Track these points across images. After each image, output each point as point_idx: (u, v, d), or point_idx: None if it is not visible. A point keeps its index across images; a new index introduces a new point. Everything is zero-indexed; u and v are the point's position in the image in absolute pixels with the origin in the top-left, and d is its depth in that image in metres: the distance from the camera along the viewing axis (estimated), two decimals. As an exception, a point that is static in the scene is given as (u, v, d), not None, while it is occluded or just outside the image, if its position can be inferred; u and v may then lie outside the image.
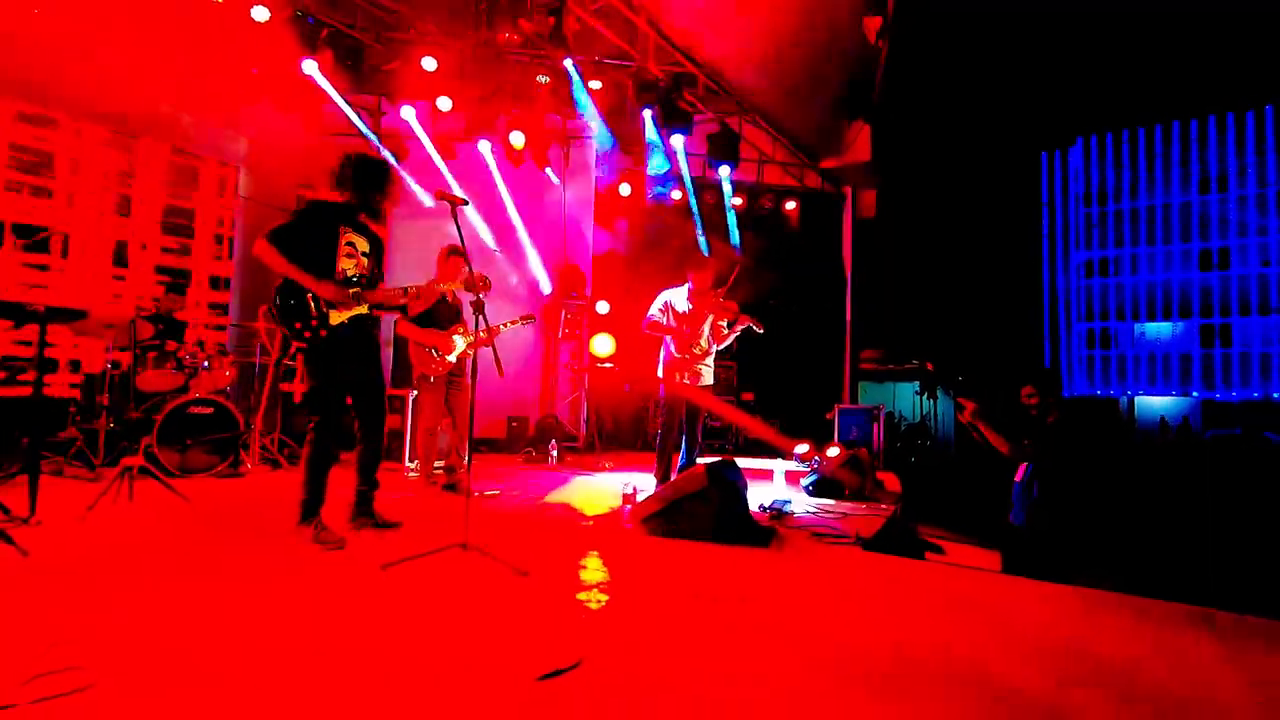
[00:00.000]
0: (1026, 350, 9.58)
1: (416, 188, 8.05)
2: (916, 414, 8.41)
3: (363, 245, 3.26)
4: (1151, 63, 8.05)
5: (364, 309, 3.25)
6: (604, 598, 2.58)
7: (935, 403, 8.17)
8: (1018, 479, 4.05)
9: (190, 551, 3.05)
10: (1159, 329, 9.44)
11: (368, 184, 3.22)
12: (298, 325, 3.09)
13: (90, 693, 1.58)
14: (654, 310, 5.03)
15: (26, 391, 4.58)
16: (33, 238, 5.41)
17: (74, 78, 6.22)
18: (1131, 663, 2.10)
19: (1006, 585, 3.01)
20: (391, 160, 8.13)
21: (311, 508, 3.18)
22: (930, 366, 8.40)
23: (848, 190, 9.89)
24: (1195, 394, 9.06)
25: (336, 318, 3.16)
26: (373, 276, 3.32)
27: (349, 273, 3.21)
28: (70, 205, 6.44)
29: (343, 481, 3.49)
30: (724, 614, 2.46)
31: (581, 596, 2.57)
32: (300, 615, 2.27)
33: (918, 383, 8.53)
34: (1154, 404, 9.22)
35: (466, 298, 4.06)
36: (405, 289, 3.47)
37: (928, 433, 8.20)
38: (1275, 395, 8.57)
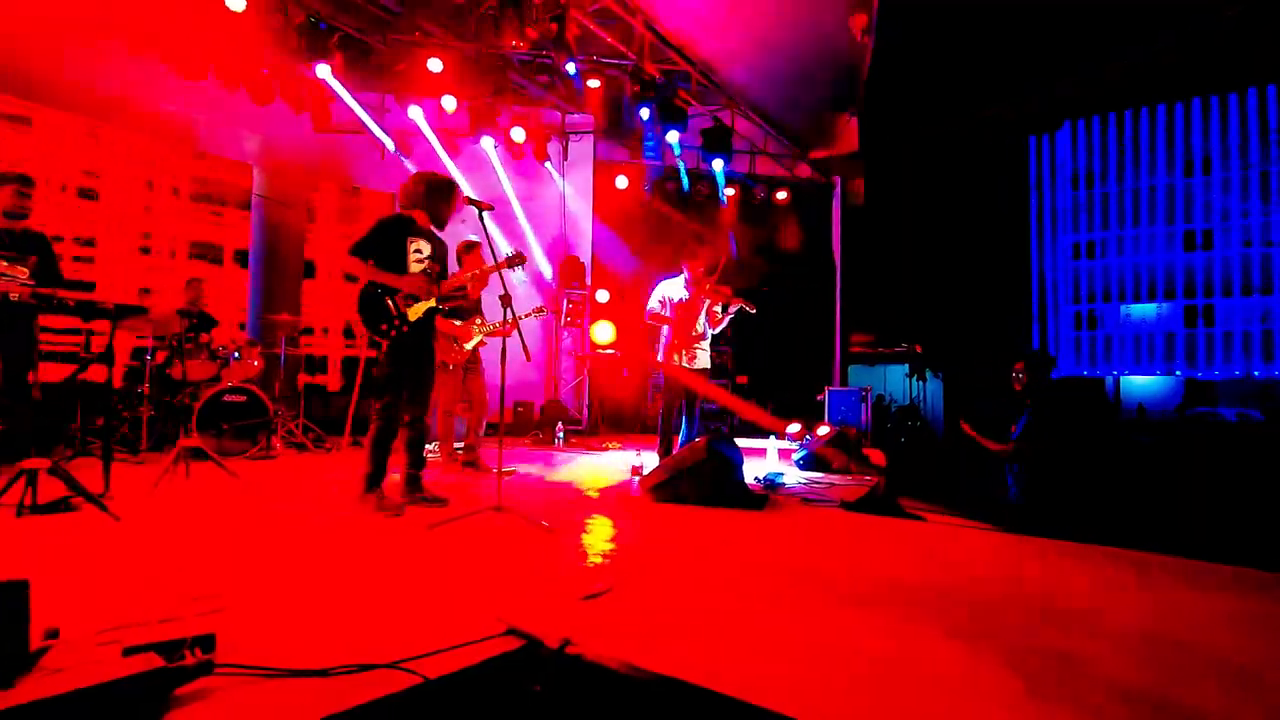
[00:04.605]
0: (1015, 332, 9.88)
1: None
2: (907, 396, 8.74)
3: (426, 250, 3.71)
4: (1135, 46, 8.21)
5: (433, 301, 3.67)
6: (622, 546, 3.04)
7: (925, 385, 8.43)
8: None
9: (262, 517, 3.45)
10: (1144, 310, 9.74)
11: (434, 198, 3.71)
12: (384, 326, 3.53)
13: (225, 612, 1.98)
14: (653, 302, 5.32)
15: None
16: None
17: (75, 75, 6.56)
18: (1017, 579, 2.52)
19: (964, 534, 3.43)
20: (404, 161, 8.49)
21: (375, 479, 3.56)
22: (919, 349, 8.68)
23: (837, 179, 10.18)
24: (1179, 373, 9.45)
25: (414, 314, 3.59)
26: (439, 275, 3.76)
27: (416, 271, 3.65)
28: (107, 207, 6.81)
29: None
30: (721, 555, 2.93)
31: (604, 545, 3.01)
32: (379, 558, 2.70)
33: (907, 365, 8.85)
34: (1138, 383, 9.61)
35: (486, 292, 4.50)
36: (468, 275, 4.02)
37: (918, 414, 8.51)
38: (1256, 373, 8.97)
